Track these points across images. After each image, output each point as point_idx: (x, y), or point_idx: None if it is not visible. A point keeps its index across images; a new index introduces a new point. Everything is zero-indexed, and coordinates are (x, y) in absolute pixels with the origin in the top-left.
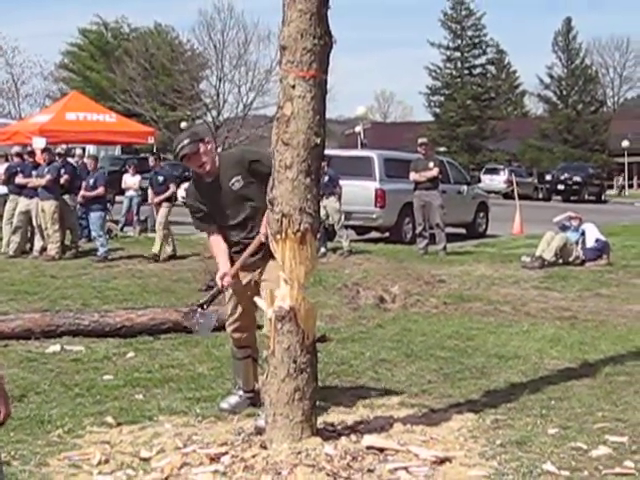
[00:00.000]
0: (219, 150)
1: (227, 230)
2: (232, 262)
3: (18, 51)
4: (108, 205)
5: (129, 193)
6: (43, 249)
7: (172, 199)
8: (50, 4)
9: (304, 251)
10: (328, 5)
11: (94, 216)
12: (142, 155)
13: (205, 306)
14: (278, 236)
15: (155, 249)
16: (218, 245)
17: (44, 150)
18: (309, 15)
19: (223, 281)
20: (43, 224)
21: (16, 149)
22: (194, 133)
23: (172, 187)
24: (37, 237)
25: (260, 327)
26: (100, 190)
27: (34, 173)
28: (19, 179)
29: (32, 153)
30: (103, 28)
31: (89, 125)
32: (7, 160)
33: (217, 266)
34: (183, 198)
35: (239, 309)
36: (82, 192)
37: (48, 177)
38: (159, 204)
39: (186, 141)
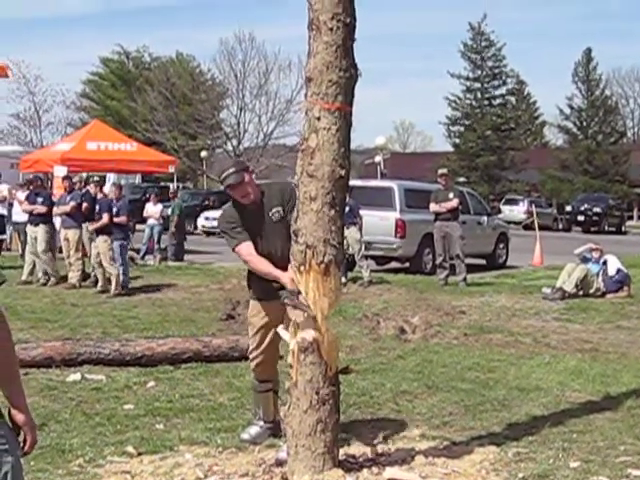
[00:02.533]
0: (255, 189)
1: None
2: (264, 293)
3: (41, 79)
4: (129, 233)
5: (150, 222)
6: (45, 274)
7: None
8: (72, 33)
9: (328, 282)
10: (354, 38)
11: (116, 244)
12: (163, 184)
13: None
14: (302, 267)
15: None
16: (259, 258)
17: (65, 178)
18: (335, 47)
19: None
20: (65, 252)
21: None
22: (239, 162)
23: (105, 217)
24: (38, 263)
25: (282, 358)
26: (123, 218)
27: (39, 200)
28: (25, 206)
29: (32, 181)
30: (124, 57)
31: (110, 154)
32: (28, 188)
33: (270, 273)
34: (203, 227)
35: (264, 342)
36: (104, 220)
37: (72, 204)
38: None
39: (232, 170)
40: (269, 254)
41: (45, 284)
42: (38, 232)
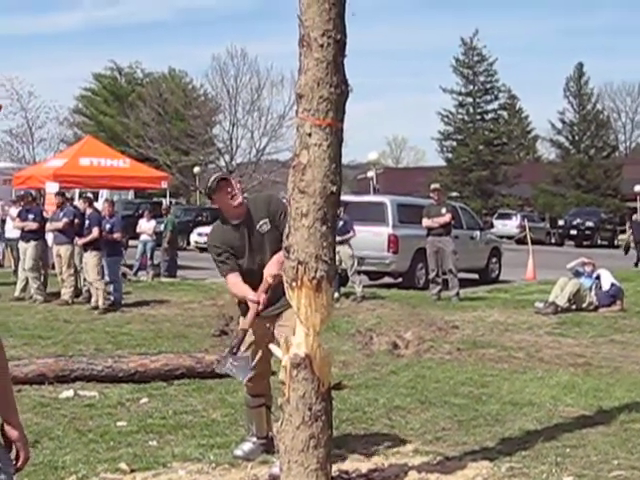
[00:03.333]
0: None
1: (247, 274)
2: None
3: (34, 96)
4: (122, 249)
5: (143, 237)
6: (37, 289)
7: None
8: (66, 49)
9: (320, 299)
10: (345, 54)
11: (110, 260)
12: (155, 200)
13: (235, 350)
14: (294, 283)
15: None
16: (239, 282)
17: (57, 194)
18: (326, 64)
19: (259, 299)
20: (57, 268)
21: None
22: (223, 172)
23: (95, 232)
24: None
25: (274, 374)
26: (118, 235)
27: (30, 216)
28: (16, 223)
29: (23, 197)
30: (117, 73)
31: (103, 170)
32: (20, 204)
33: (245, 296)
34: (196, 243)
35: (255, 358)
36: (93, 235)
37: (65, 220)
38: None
39: (213, 177)
40: (260, 267)
41: (44, 301)
42: (28, 249)
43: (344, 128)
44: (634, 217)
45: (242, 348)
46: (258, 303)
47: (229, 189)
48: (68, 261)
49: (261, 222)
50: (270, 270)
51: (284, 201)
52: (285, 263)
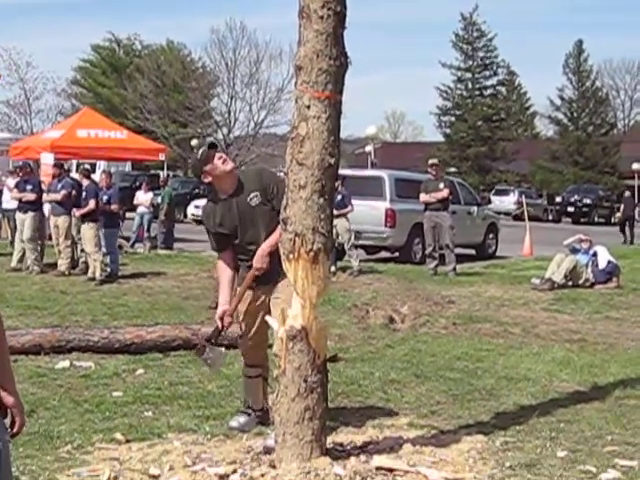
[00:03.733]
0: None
1: (240, 248)
2: (240, 281)
3: (32, 66)
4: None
5: (140, 210)
6: (35, 260)
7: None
8: (64, 20)
9: (317, 271)
10: (344, 26)
11: (107, 232)
12: (153, 172)
13: (213, 340)
14: (291, 255)
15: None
16: (224, 275)
17: (56, 166)
18: (325, 36)
19: (223, 322)
20: (55, 239)
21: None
22: (213, 142)
23: (91, 203)
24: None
25: (271, 346)
26: (115, 207)
27: (28, 187)
28: (14, 194)
29: (22, 168)
30: (115, 45)
31: (100, 142)
32: (18, 175)
33: (219, 297)
34: (193, 215)
35: (251, 327)
36: (90, 206)
37: (63, 192)
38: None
39: (205, 147)
40: (252, 241)
41: (40, 272)
42: (26, 219)
43: (343, 101)
44: (625, 194)
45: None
46: (222, 324)
47: (219, 155)
48: (65, 232)
49: (251, 195)
50: (256, 262)
51: (279, 174)
52: (282, 235)
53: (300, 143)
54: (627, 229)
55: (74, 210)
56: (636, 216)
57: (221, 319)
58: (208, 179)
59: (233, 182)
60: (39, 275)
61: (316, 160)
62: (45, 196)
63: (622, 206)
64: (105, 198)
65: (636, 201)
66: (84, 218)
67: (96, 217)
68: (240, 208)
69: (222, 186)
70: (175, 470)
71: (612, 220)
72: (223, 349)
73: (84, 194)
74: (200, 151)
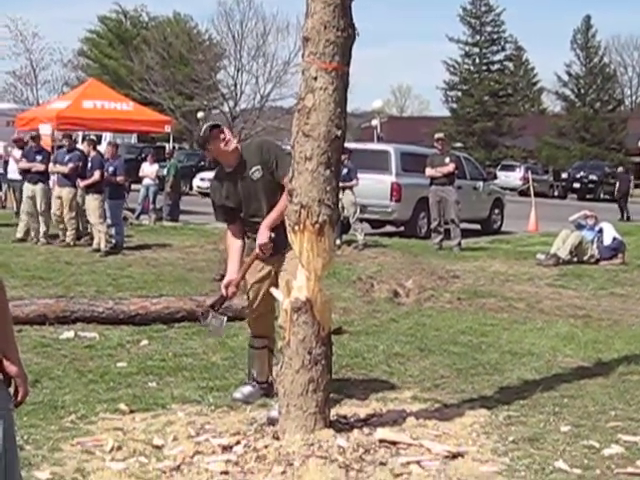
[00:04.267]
0: (235, 141)
1: (246, 221)
2: (248, 253)
3: (38, 37)
4: (125, 193)
5: (146, 181)
6: (45, 234)
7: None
8: None
9: (322, 243)
10: None
11: (112, 203)
12: (159, 144)
13: (217, 307)
14: (296, 227)
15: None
16: (232, 243)
17: (65, 137)
18: (333, 7)
19: (228, 290)
20: (57, 210)
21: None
22: (215, 121)
23: (97, 174)
24: (41, 222)
25: (277, 318)
26: (121, 178)
27: (38, 158)
28: (22, 164)
29: (35, 138)
30: (122, 16)
31: (106, 113)
32: (23, 146)
33: (227, 266)
34: (199, 188)
35: (258, 298)
36: (95, 177)
37: (71, 165)
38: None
39: (209, 124)
40: (255, 214)
41: (48, 243)
42: (37, 191)
43: (350, 73)
44: (619, 169)
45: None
46: (227, 292)
47: (222, 136)
48: (70, 204)
49: (253, 169)
50: (258, 239)
51: (283, 147)
52: (288, 207)
53: (306, 115)
54: (622, 205)
55: (79, 181)
56: (631, 192)
57: (226, 288)
58: (211, 156)
59: (236, 157)
60: (44, 246)
61: (322, 132)
62: (52, 167)
63: (617, 182)
64: (111, 169)
65: (631, 177)
66: (88, 189)
67: (101, 188)
68: (243, 182)
69: (225, 161)
70: (179, 441)
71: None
72: (225, 318)
73: (89, 165)
74: (202, 131)
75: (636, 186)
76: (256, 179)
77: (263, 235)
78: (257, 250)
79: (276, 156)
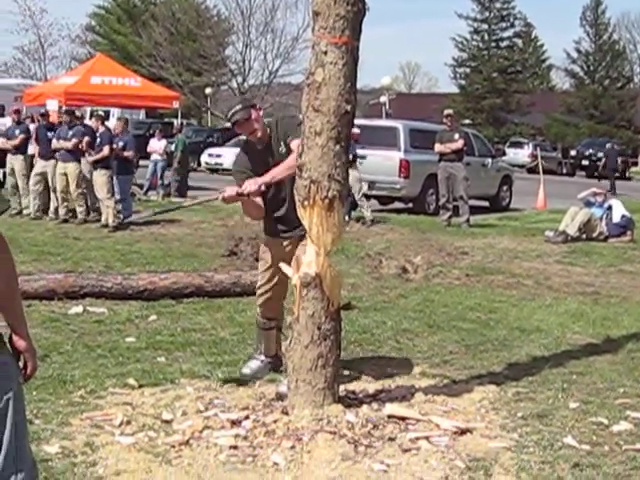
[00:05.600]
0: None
1: (273, 200)
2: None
3: (46, 12)
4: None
5: (154, 157)
6: (56, 211)
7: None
8: None
9: (332, 218)
10: None
11: (121, 179)
12: (167, 120)
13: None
14: (306, 202)
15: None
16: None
17: (67, 112)
18: None
19: (251, 187)
20: (60, 186)
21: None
22: (245, 99)
23: (105, 150)
24: (53, 199)
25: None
26: (131, 153)
27: (49, 134)
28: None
29: (44, 115)
30: None
31: (114, 89)
32: (32, 121)
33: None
34: (207, 164)
35: (273, 279)
36: (104, 152)
37: (74, 141)
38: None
39: (238, 107)
40: (282, 189)
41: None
42: (69, 169)
43: (359, 48)
44: (607, 145)
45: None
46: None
47: (250, 128)
48: (76, 180)
49: (282, 145)
50: (250, 183)
51: (295, 117)
52: (297, 182)
53: (316, 89)
54: (610, 180)
55: (87, 156)
56: (619, 167)
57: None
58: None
59: (261, 141)
60: (53, 222)
61: (332, 107)
62: (55, 142)
63: (606, 158)
64: (120, 144)
65: (619, 152)
66: (96, 164)
67: (109, 164)
68: (275, 157)
69: (256, 140)
70: (188, 415)
71: (627, 174)
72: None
73: (98, 140)
74: (233, 110)
75: None
76: (283, 155)
77: (255, 183)
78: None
79: (291, 127)
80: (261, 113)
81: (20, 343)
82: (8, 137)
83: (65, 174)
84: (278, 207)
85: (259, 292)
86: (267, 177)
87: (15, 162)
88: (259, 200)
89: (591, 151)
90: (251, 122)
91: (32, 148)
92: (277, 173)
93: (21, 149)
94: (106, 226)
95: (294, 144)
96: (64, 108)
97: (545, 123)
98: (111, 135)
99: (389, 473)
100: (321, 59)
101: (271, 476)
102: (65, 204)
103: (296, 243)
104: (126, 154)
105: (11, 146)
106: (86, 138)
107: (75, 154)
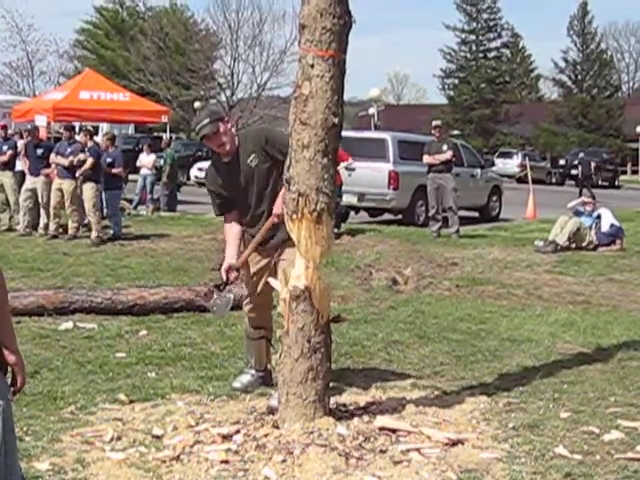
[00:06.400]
0: (233, 131)
1: (245, 210)
2: (246, 245)
3: (34, 29)
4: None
5: (143, 171)
6: (47, 227)
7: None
8: None
9: (320, 231)
10: None
11: (110, 194)
12: (156, 134)
13: (222, 287)
14: (294, 216)
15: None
16: (230, 232)
17: (66, 128)
18: None
19: (228, 274)
20: (54, 202)
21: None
22: (213, 112)
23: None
24: (42, 215)
25: (274, 307)
26: (120, 169)
27: (38, 151)
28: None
29: (30, 131)
30: (119, 6)
31: (102, 104)
32: (21, 137)
33: (226, 254)
34: (196, 177)
35: (257, 289)
36: (86, 165)
37: (71, 158)
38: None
39: (206, 121)
40: (258, 201)
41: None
42: (65, 185)
43: (346, 61)
44: (579, 155)
45: (227, 288)
46: (227, 276)
47: (218, 141)
48: (71, 196)
49: (251, 157)
50: (276, 209)
51: (281, 132)
52: (285, 195)
53: (304, 102)
54: (585, 190)
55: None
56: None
57: (227, 272)
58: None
59: (230, 153)
60: (42, 238)
61: (320, 119)
62: (53, 157)
63: (579, 167)
64: (109, 160)
65: (592, 161)
66: (85, 178)
67: (98, 178)
68: (241, 170)
69: (223, 152)
70: (178, 430)
71: (616, 183)
72: (231, 296)
73: (110, 159)
74: (201, 125)
75: (634, 172)
76: (253, 167)
77: (230, 270)
78: (272, 218)
79: (274, 139)
80: (229, 126)
81: (10, 358)
82: (59, 153)
83: (60, 189)
84: (258, 215)
85: (245, 302)
86: (241, 259)
87: (4, 178)
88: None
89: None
90: (219, 135)
91: (20, 164)
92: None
93: (9, 165)
94: (100, 240)
95: (277, 205)
96: (63, 124)
97: (534, 133)
98: (99, 149)
99: None
100: (308, 72)
101: None
102: (57, 220)
103: (274, 253)
104: (114, 171)
105: None
106: (81, 155)
107: (71, 171)
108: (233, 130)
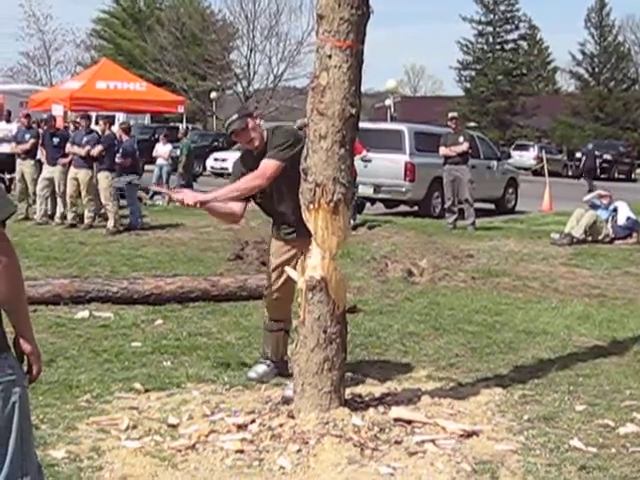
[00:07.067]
0: (262, 126)
1: (268, 207)
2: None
3: (50, 18)
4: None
5: (159, 162)
6: (63, 216)
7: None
8: None
9: (337, 221)
10: None
11: (127, 185)
12: (172, 124)
13: (151, 190)
14: (311, 206)
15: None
16: (227, 192)
17: (83, 117)
18: None
19: (186, 197)
20: (70, 191)
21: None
22: (243, 108)
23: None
24: (59, 204)
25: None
26: (125, 161)
27: (54, 140)
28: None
29: (46, 121)
30: None
31: (119, 93)
32: (38, 126)
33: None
34: (212, 168)
35: (280, 281)
36: (93, 151)
37: (88, 148)
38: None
39: (235, 116)
40: (281, 198)
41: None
42: (80, 175)
43: (364, 51)
44: (588, 146)
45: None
46: (181, 197)
47: (246, 137)
48: (87, 186)
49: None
50: (183, 194)
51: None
52: (303, 185)
53: (321, 93)
54: (587, 180)
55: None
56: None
57: (181, 193)
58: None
59: (258, 149)
60: (58, 227)
61: (337, 110)
62: (69, 147)
63: (583, 158)
64: (121, 151)
65: (596, 153)
66: (100, 167)
67: (112, 167)
68: None
69: (252, 147)
70: (194, 419)
71: (632, 176)
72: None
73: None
74: (230, 120)
75: None
76: None
77: (194, 198)
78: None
79: (274, 139)
80: (258, 121)
81: (26, 347)
82: (18, 141)
83: (76, 179)
84: (282, 209)
85: (267, 293)
86: (209, 196)
87: (25, 167)
88: (229, 208)
89: (597, 153)
90: (247, 131)
91: (39, 153)
92: (221, 195)
93: (31, 154)
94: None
95: (262, 163)
96: (80, 113)
97: (550, 125)
98: (113, 138)
99: (395, 476)
100: (325, 63)
101: None
102: (74, 209)
103: (301, 246)
104: (117, 160)
105: (21, 150)
106: (98, 147)
107: (88, 161)
108: (262, 125)
